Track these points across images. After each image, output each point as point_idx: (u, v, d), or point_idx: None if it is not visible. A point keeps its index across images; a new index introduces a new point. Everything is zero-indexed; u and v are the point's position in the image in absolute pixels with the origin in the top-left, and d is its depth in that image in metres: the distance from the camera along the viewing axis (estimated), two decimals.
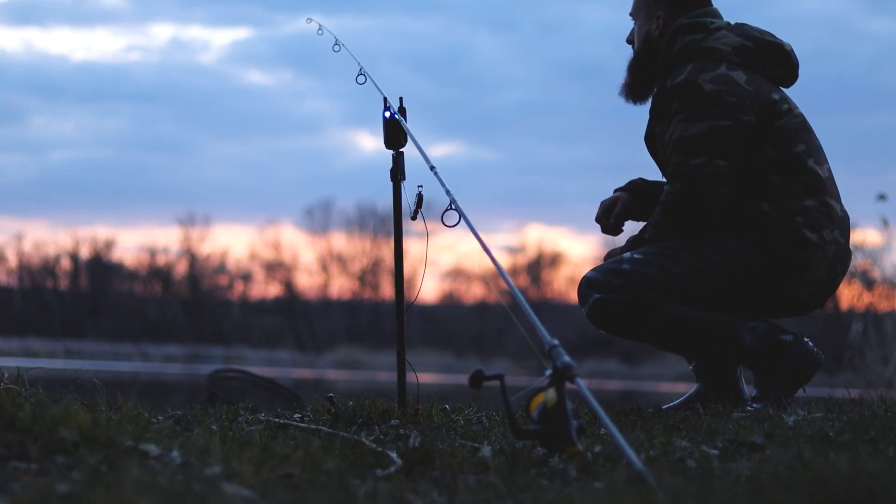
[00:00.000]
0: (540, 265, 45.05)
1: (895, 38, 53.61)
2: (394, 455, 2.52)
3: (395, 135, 3.47)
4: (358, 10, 54.21)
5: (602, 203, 4.04)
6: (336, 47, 3.76)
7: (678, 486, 2.15)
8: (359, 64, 3.64)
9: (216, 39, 57.47)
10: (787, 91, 3.90)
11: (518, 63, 57.25)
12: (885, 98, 52.65)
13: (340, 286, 46.03)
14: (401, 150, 3.49)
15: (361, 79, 3.62)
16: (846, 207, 3.84)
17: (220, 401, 3.91)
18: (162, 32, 58.44)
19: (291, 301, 45.15)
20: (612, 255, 3.85)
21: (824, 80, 52.51)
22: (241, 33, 57.57)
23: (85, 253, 45.56)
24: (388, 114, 3.48)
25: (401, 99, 3.51)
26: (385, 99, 3.51)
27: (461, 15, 56.26)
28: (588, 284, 3.74)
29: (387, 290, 44.29)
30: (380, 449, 2.61)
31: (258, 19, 57.76)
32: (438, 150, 52.25)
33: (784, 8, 53.23)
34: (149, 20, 59.06)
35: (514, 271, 46.24)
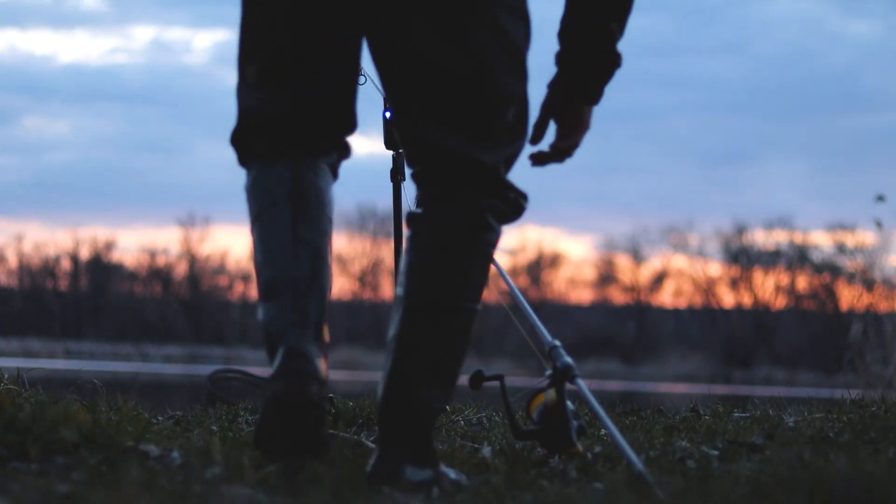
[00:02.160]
0: (540, 266, 45.07)
1: (872, 41, 53.84)
2: None
3: (395, 135, 3.47)
4: None
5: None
6: None
7: (678, 487, 2.15)
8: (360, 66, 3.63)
9: (198, 41, 57.55)
10: None
11: None
12: (865, 100, 52.86)
13: (340, 287, 46.06)
14: (400, 150, 3.49)
15: (361, 79, 3.61)
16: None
17: (220, 401, 3.91)
18: (143, 34, 58.57)
19: None
20: None
21: (804, 82, 52.68)
22: (220, 35, 57.63)
23: (85, 254, 45.61)
24: (388, 114, 3.48)
25: None
26: (385, 99, 3.51)
27: None
28: None
29: (387, 290, 44.31)
30: None
31: (238, 20, 57.84)
32: None
33: (760, 9, 53.33)
34: (128, 22, 59.20)
35: (514, 272, 46.24)
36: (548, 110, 2.43)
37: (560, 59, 2.43)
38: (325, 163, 2.39)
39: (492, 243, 2.30)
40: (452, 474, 2.29)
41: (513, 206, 2.33)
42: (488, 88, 2.25)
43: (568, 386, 2.48)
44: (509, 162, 2.33)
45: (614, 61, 2.41)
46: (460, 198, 2.27)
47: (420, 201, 2.32)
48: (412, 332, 2.24)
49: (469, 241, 2.27)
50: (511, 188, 2.32)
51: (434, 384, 2.24)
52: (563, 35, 2.41)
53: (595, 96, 2.43)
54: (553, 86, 2.43)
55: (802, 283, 42.33)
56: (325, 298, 2.29)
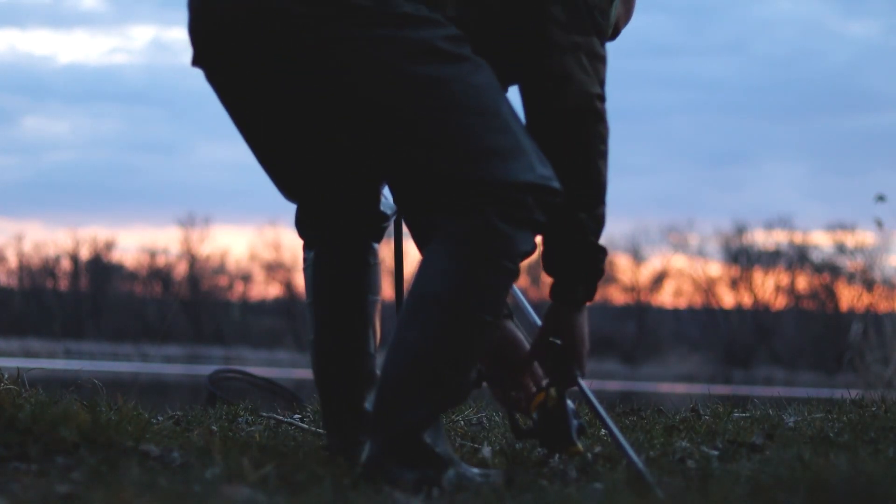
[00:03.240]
0: (540, 266, 45.02)
1: (872, 41, 53.86)
2: None
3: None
4: None
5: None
6: None
7: (678, 487, 2.15)
8: None
9: None
10: None
11: None
12: (865, 100, 52.90)
13: None
14: None
15: None
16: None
17: (220, 401, 3.91)
18: (142, 34, 58.61)
19: (291, 301, 45.12)
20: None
21: (804, 82, 52.68)
22: None
23: (85, 254, 45.61)
24: None
25: None
26: None
27: None
28: None
29: (386, 291, 44.23)
30: None
31: None
32: None
33: (759, 9, 53.36)
34: (128, 22, 59.25)
35: None
36: (545, 322, 2.44)
37: (543, 264, 2.43)
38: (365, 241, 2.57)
39: (506, 254, 2.21)
40: (474, 472, 2.28)
41: (533, 208, 2.22)
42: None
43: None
44: (513, 158, 2.20)
45: (593, 256, 2.39)
46: (466, 214, 2.20)
47: (427, 224, 2.29)
48: (406, 333, 2.22)
49: (473, 250, 2.20)
50: (528, 190, 2.20)
51: (428, 387, 2.20)
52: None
53: (580, 297, 2.41)
54: (549, 294, 2.44)
55: (802, 283, 42.35)
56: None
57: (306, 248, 2.59)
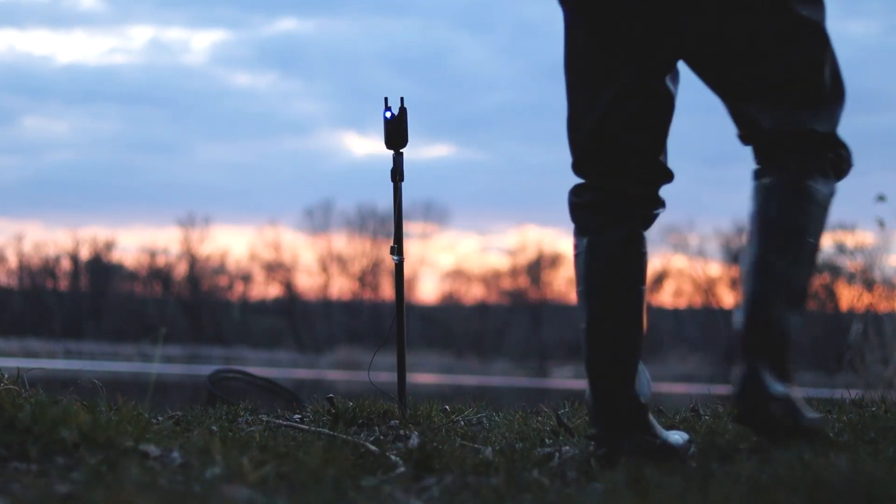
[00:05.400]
0: (540, 266, 45.07)
1: (871, 41, 53.80)
2: (398, 459, 2.52)
3: (395, 135, 3.47)
4: (333, 11, 54.27)
5: None
6: None
7: (678, 487, 2.15)
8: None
9: (196, 41, 57.60)
10: None
11: (500, 64, 57.56)
12: (865, 100, 52.82)
13: (340, 287, 46.08)
14: (401, 150, 3.49)
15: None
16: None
17: (220, 401, 3.91)
18: (141, 34, 58.61)
19: (291, 302, 45.18)
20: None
21: None
22: (219, 35, 57.71)
23: (85, 254, 45.64)
24: (388, 114, 3.48)
25: (402, 99, 3.50)
26: (386, 99, 3.51)
27: (438, 16, 56.45)
28: None
29: (387, 290, 44.25)
30: (382, 451, 2.61)
31: (235, 21, 57.80)
32: (429, 152, 52.45)
33: None
34: (127, 22, 59.27)
35: (514, 272, 46.22)
36: None
37: None
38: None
39: (832, 195, 2.66)
40: (678, 437, 2.65)
41: (844, 161, 2.68)
42: (809, 70, 2.65)
43: None
44: (838, 120, 2.66)
45: None
46: (794, 167, 2.62)
47: (763, 163, 2.70)
48: (774, 259, 2.58)
49: (820, 191, 2.61)
50: (843, 146, 2.67)
51: (790, 309, 2.58)
52: None
53: None
54: None
55: None
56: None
57: (578, 233, 2.72)
